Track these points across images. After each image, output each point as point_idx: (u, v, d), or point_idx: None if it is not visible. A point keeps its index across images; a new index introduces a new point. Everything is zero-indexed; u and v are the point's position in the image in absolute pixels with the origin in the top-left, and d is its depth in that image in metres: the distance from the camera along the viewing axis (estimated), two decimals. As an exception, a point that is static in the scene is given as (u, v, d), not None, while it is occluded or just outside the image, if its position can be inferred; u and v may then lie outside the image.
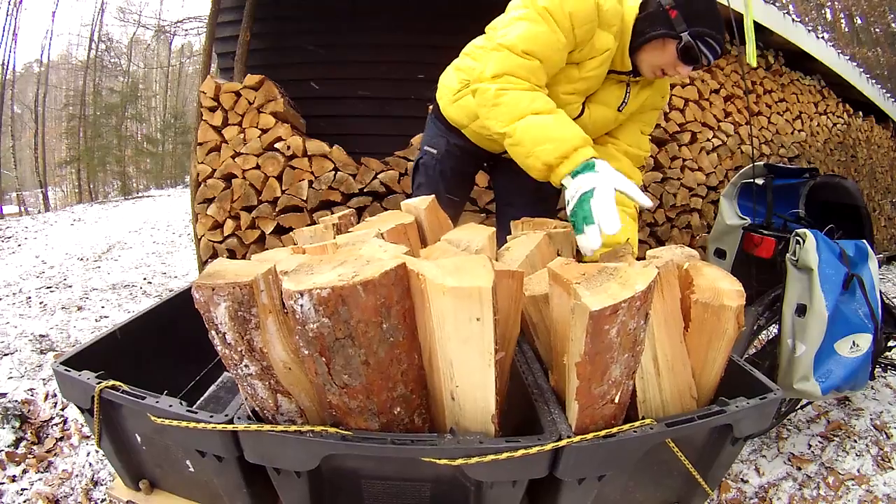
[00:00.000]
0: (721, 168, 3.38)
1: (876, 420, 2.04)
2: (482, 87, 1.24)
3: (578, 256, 1.17)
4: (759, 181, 1.83)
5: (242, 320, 0.66)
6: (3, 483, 1.61)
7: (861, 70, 5.19)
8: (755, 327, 1.68)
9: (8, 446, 1.76)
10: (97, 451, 1.74)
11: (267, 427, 0.70)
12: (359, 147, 2.77)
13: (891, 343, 1.95)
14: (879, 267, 2.12)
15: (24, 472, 1.68)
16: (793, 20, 4.06)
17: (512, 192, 1.67)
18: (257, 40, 3.00)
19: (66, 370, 0.84)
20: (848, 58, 5.03)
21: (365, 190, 2.65)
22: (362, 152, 2.72)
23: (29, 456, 1.74)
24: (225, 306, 0.65)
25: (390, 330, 0.65)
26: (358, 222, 1.32)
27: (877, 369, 1.82)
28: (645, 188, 3.01)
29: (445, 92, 1.59)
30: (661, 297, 0.80)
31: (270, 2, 3.02)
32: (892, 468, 1.78)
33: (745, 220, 1.86)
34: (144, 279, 4.22)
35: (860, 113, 5.45)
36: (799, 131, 4.23)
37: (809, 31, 4.36)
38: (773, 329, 1.72)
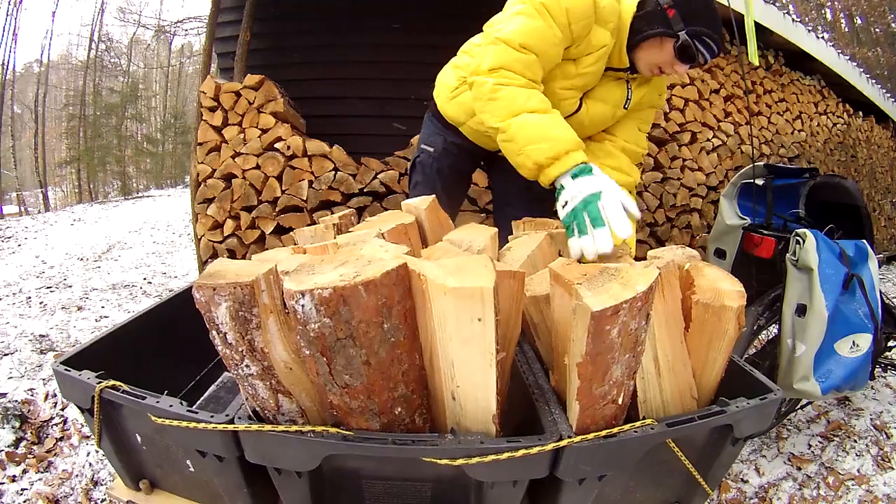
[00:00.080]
0: (721, 168, 3.38)
1: (876, 420, 2.04)
2: (479, 80, 1.24)
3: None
4: (759, 181, 1.83)
5: (243, 320, 0.66)
6: (3, 483, 1.61)
7: (861, 70, 5.19)
8: (755, 327, 1.68)
9: (8, 446, 1.76)
10: (97, 451, 1.74)
11: (268, 427, 0.70)
12: (359, 147, 2.77)
13: (891, 343, 1.95)
14: (879, 267, 2.12)
15: (24, 472, 1.68)
16: (793, 20, 4.06)
17: (509, 192, 1.67)
18: (257, 40, 3.00)
19: (66, 370, 0.84)
20: (848, 58, 5.04)
21: (365, 190, 2.65)
22: (362, 152, 2.72)
23: (29, 456, 1.74)
24: (226, 306, 0.65)
25: (391, 330, 0.65)
26: (358, 222, 1.32)
27: (877, 369, 1.82)
28: (645, 188, 3.01)
29: (443, 90, 1.59)
30: (662, 297, 0.80)
31: (270, 2, 3.02)
32: (892, 468, 1.78)
33: (745, 220, 1.86)
34: (144, 279, 4.21)
35: (860, 113, 5.45)
36: (799, 131, 4.24)
37: (809, 31, 4.36)
38: (773, 329, 1.72)
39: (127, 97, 14.94)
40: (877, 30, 14.79)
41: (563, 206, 1.12)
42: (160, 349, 1.08)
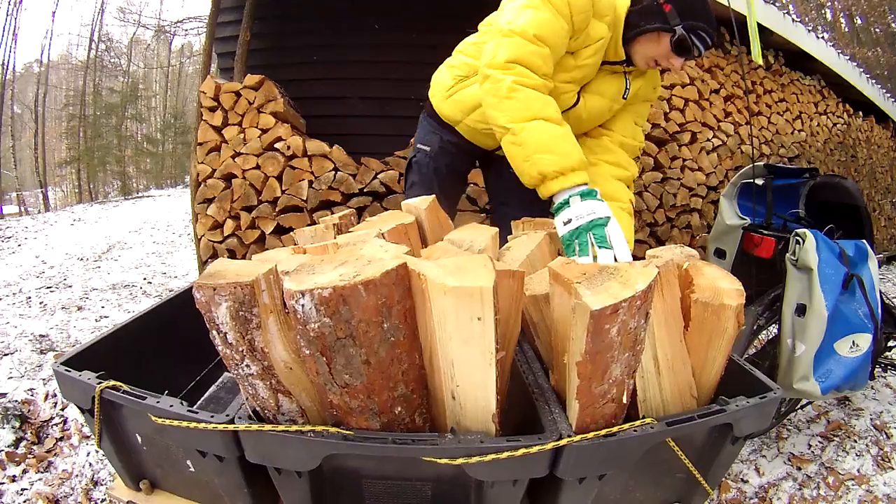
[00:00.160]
0: (721, 168, 3.38)
1: (876, 420, 2.05)
2: (495, 75, 1.21)
3: None
4: (759, 181, 1.83)
5: (244, 320, 0.66)
6: (3, 483, 1.61)
7: (861, 70, 5.19)
8: (755, 327, 1.69)
9: (8, 446, 1.76)
10: (97, 451, 1.74)
11: (268, 427, 0.70)
12: (359, 147, 2.77)
13: (891, 343, 1.96)
14: (879, 267, 2.12)
15: (24, 472, 1.68)
16: (793, 20, 4.07)
17: (506, 192, 1.67)
18: (257, 40, 3.00)
19: (66, 370, 0.84)
20: (848, 58, 5.04)
21: (365, 190, 2.66)
22: (362, 152, 2.72)
23: (29, 456, 1.74)
24: (226, 306, 0.65)
25: (391, 329, 0.65)
26: (358, 222, 1.32)
27: (877, 369, 1.82)
28: (645, 188, 3.02)
29: (438, 89, 1.60)
30: (662, 296, 0.80)
31: (270, 2, 3.02)
32: (892, 468, 1.78)
33: (745, 220, 1.86)
34: (144, 279, 4.22)
35: (860, 113, 5.46)
36: (799, 131, 4.24)
37: (809, 31, 4.37)
38: (773, 329, 1.72)
39: (127, 97, 14.95)
40: (877, 30, 14.79)
41: (566, 224, 1.14)
42: (160, 349, 1.08)
